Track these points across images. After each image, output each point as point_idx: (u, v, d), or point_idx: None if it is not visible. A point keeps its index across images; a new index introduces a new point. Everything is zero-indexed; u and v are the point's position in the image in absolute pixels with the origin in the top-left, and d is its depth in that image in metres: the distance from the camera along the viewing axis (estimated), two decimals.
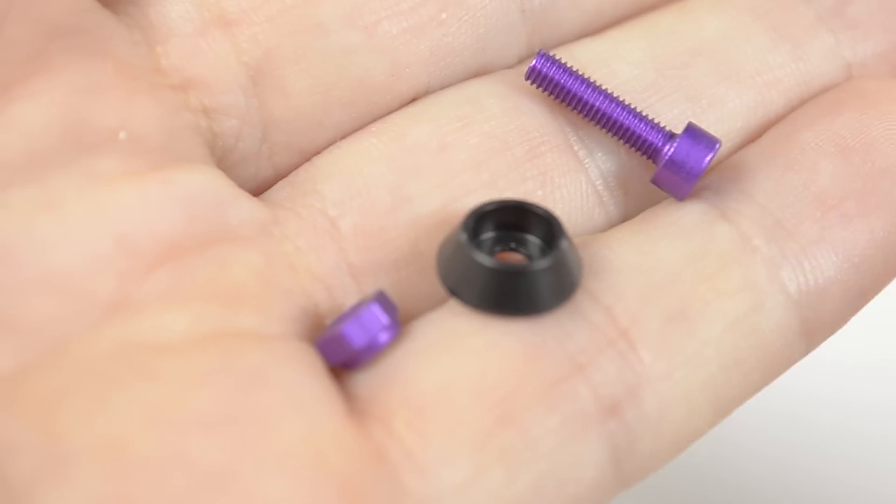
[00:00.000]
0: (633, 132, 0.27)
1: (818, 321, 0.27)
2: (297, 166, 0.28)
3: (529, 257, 0.26)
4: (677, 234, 0.26)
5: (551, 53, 0.28)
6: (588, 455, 0.25)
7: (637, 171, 0.28)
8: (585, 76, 0.28)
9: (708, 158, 0.27)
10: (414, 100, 0.28)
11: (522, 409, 0.24)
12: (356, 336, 0.24)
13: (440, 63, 0.28)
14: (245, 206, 0.26)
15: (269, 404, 0.23)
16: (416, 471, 0.24)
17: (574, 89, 0.27)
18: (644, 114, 0.28)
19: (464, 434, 0.24)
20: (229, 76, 0.27)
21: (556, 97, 0.28)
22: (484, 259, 0.25)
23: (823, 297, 0.26)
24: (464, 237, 0.25)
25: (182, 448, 0.22)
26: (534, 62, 0.28)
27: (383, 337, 0.25)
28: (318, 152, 0.28)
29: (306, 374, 0.24)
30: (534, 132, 0.28)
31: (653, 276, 0.26)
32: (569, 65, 0.28)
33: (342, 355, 0.25)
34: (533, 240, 0.26)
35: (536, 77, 0.28)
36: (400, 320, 0.25)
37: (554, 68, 0.28)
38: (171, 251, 0.25)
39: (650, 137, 0.27)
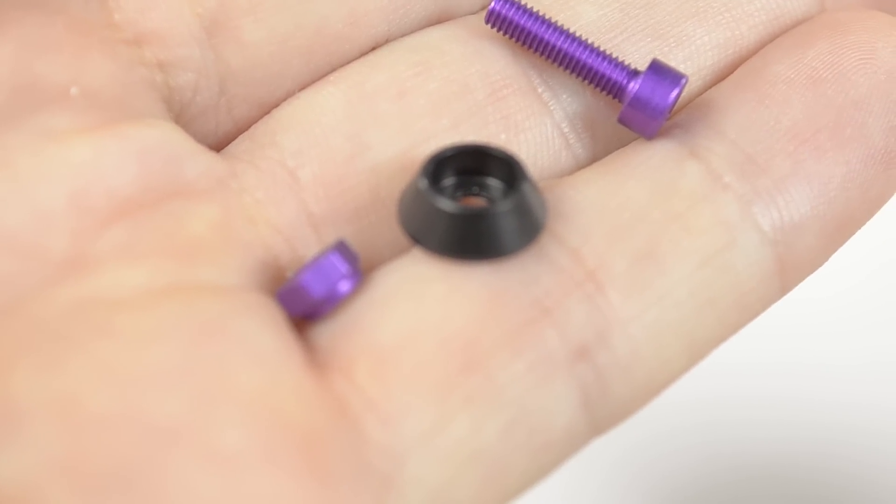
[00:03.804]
0: (597, 71, 0.27)
1: (794, 259, 0.26)
2: (256, 119, 0.27)
3: (492, 201, 0.25)
4: (645, 173, 0.26)
5: None
6: (557, 401, 0.24)
7: (604, 112, 0.27)
8: (547, 17, 0.27)
9: (673, 94, 0.26)
10: (374, 49, 0.28)
11: (487, 355, 0.24)
12: (315, 286, 0.24)
13: (399, 11, 0.28)
14: (202, 160, 0.26)
15: (226, 356, 0.23)
16: (379, 421, 0.23)
17: (535, 30, 0.27)
18: (608, 53, 0.27)
19: (427, 382, 0.23)
20: (184, 29, 0.26)
21: (518, 40, 0.27)
22: (444, 204, 0.24)
23: (799, 233, 0.26)
24: (423, 183, 0.24)
25: (136, 404, 0.22)
26: (492, 4, 0.27)
27: (344, 286, 0.24)
28: (277, 104, 0.27)
29: (265, 325, 0.24)
30: (495, 75, 0.27)
31: (620, 215, 0.25)
32: (529, 6, 0.27)
33: (302, 306, 0.24)
34: (495, 183, 0.25)
35: (496, 20, 0.27)
36: (362, 269, 0.25)
37: (514, 10, 0.27)
38: (127, 207, 0.24)
39: (614, 76, 0.27)
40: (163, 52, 0.26)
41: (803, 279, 0.26)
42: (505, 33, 0.27)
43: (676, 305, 0.25)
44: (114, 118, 0.25)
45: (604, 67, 0.27)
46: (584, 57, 0.27)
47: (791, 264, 0.26)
